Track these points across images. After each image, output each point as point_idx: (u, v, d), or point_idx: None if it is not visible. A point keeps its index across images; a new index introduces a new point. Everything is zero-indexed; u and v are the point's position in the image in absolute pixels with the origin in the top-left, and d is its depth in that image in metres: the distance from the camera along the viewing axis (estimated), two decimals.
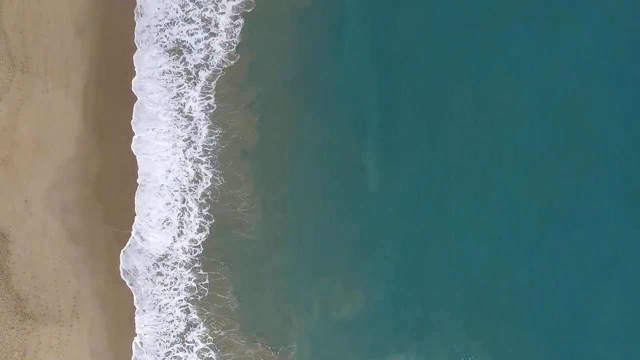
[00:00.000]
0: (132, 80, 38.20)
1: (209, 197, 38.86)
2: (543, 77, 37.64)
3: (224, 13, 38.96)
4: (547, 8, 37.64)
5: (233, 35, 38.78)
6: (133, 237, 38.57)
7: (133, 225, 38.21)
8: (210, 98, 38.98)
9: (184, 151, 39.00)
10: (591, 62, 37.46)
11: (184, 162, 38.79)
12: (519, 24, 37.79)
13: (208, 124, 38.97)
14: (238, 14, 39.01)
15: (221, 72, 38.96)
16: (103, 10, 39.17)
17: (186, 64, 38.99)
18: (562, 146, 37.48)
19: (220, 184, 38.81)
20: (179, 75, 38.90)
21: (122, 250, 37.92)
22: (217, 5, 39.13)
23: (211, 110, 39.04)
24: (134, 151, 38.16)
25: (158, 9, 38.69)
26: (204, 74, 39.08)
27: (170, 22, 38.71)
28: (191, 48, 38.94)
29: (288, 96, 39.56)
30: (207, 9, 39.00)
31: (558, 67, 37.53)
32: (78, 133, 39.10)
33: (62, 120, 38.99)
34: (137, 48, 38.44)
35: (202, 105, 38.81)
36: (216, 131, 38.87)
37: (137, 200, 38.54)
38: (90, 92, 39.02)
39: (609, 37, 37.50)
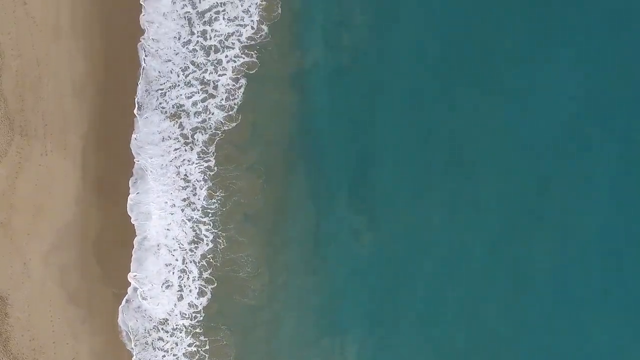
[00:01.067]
0: (131, 145, 37.79)
1: (211, 260, 38.47)
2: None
3: (224, 74, 38.65)
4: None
5: (234, 96, 38.51)
6: (132, 298, 37.99)
7: (130, 287, 37.76)
8: (209, 160, 38.59)
9: (182, 210, 38.71)
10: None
11: (184, 222, 38.51)
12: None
13: (207, 186, 38.56)
14: (239, 76, 38.59)
15: (220, 134, 38.52)
16: (102, 72, 38.85)
17: (185, 127, 38.68)
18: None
19: (222, 247, 38.41)
20: (177, 140, 38.57)
21: (119, 308, 37.55)
22: (217, 67, 38.72)
23: (211, 173, 38.60)
24: (129, 212, 37.79)
25: (159, 72, 38.35)
26: (201, 137, 38.78)
27: (172, 86, 38.34)
28: (190, 111, 38.59)
29: (291, 158, 39.12)
30: (207, 71, 38.67)
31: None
32: (77, 195, 38.83)
33: (61, 182, 38.71)
34: (136, 111, 37.86)
35: (201, 167, 38.44)
36: (217, 193, 38.55)
37: (134, 262, 38.14)
38: (90, 153, 38.78)
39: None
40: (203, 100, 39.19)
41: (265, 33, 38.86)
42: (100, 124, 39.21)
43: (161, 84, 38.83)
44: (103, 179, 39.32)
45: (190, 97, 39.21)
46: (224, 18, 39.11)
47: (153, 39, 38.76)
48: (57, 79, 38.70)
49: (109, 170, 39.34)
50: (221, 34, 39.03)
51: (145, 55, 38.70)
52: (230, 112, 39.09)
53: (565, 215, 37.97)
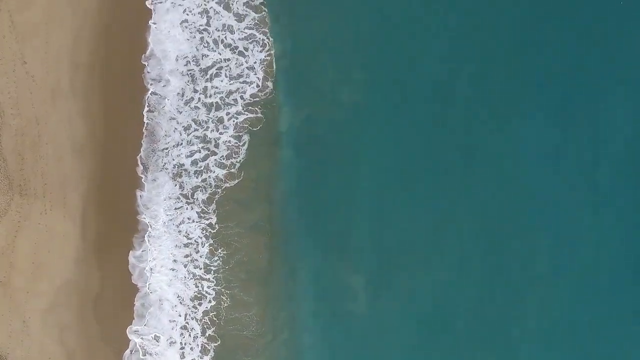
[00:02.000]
0: (137, 204, 37.66)
1: (214, 318, 38.51)
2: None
3: (226, 131, 38.75)
4: None
5: (237, 154, 38.58)
6: (133, 355, 37.85)
7: (132, 343, 37.69)
8: (210, 218, 38.61)
9: (185, 266, 38.67)
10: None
11: (186, 279, 38.51)
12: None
13: (209, 244, 38.56)
14: (242, 133, 38.68)
15: (221, 192, 38.60)
16: (102, 131, 38.81)
17: (185, 186, 38.72)
18: None
19: (226, 305, 38.42)
20: (178, 199, 38.65)
21: None
22: (217, 126, 38.80)
23: (212, 231, 38.67)
24: (131, 270, 37.83)
25: (165, 131, 38.41)
26: (201, 196, 38.77)
27: (175, 145, 38.37)
28: (191, 170, 38.65)
29: (293, 214, 39.28)
30: (208, 128, 38.75)
31: None
32: (77, 253, 38.65)
33: (61, 240, 38.47)
34: (141, 171, 38.21)
35: (202, 225, 38.48)
36: (218, 251, 38.57)
37: (136, 317, 38.11)
38: (89, 212, 38.64)
39: None
40: (204, 159, 39.08)
41: (270, 90, 38.88)
42: (100, 182, 39.08)
43: (166, 143, 38.69)
44: (103, 237, 39.09)
45: (191, 155, 39.01)
46: (226, 75, 39.09)
47: (159, 96, 38.57)
48: (57, 138, 38.47)
49: (109, 229, 39.20)
50: (223, 91, 39.04)
51: (151, 111, 38.37)
52: (232, 170, 39.02)
53: None
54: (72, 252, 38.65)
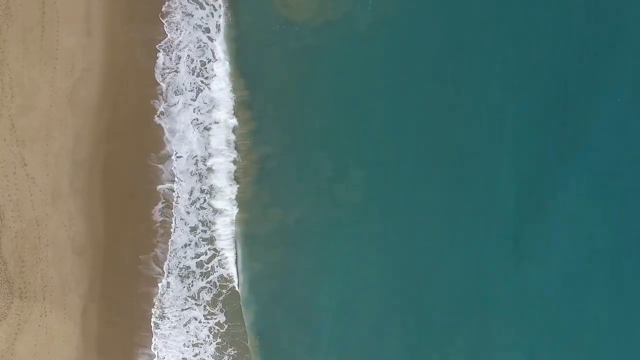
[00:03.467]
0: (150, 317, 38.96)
1: None
2: None
3: (220, 238, 39.31)
4: None
5: (235, 255, 38.94)
6: None
7: None
8: (215, 318, 38.80)
9: None
10: None
11: None
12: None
13: (217, 342, 38.76)
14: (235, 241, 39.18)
15: (227, 292, 38.78)
16: (102, 232, 38.88)
17: (193, 287, 38.78)
18: None
19: None
20: (186, 300, 38.81)
21: None
22: (213, 236, 39.15)
23: (221, 330, 38.79)
24: None
25: (175, 242, 38.72)
26: (206, 296, 38.90)
27: (185, 245, 38.66)
28: (197, 271, 38.83)
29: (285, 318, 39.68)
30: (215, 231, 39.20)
31: None
32: (77, 354, 38.48)
33: (61, 343, 38.45)
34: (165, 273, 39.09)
35: (209, 324, 38.57)
36: (227, 351, 38.77)
37: None
38: (90, 313, 38.67)
39: None
40: (209, 260, 39.24)
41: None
42: (100, 283, 38.99)
43: (179, 247, 39.11)
44: (104, 338, 39.02)
45: (198, 257, 39.17)
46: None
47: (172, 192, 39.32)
48: (57, 239, 38.41)
49: (111, 329, 39.00)
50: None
51: (168, 207, 39.56)
52: (230, 271, 39.26)
53: None
54: (72, 353, 38.57)
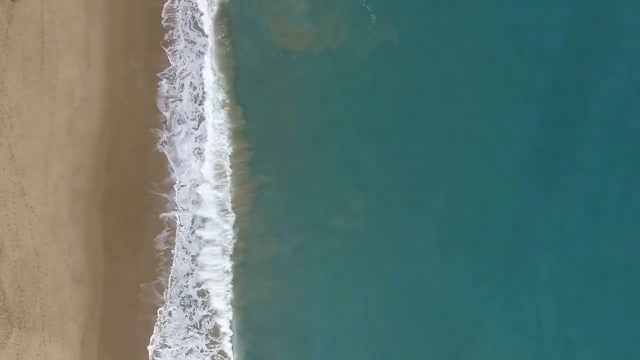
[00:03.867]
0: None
1: None
2: None
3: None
4: None
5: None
6: None
7: None
8: (219, 345, 39.14)
9: None
10: None
11: None
12: None
13: None
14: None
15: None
16: (102, 258, 39.14)
17: (195, 316, 39.54)
18: None
19: None
20: (188, 329, 39.11)
21: None
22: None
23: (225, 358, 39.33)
24: None
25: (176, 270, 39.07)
26: (208, 325, 39.21)
27: (186, 275, 39.12)
28: (198, 300, 39.32)
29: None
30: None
31: None
32: None
33: None
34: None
35: (212, 353, 38.87)
36: None
37: None
38: (89, 342, 38.69)
39: None
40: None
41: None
42: (100, 312, 39.05)
43: (180, 276, 39.52)
44: None
45: (199, 285, 39.85)
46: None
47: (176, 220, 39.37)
48: (56, 268, 38.42)
49: (110, 359, 38.86)
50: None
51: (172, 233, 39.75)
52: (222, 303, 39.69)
53: None
54: None
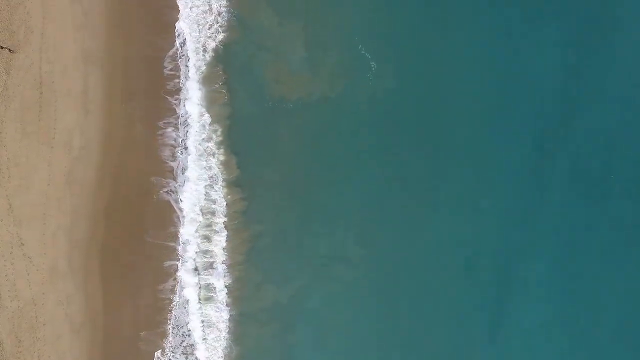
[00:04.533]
0: None
1: None
2: None
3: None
4: None
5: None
6: None
7: None
8: None
9: None
10: None
11: None
12: None
13: None
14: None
15: None
16: (101, 308, 39.06)
17: None
18: None
19: None
20: None
21: None
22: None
23: None
24: None
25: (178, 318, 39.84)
26: None
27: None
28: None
29: None
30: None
31: None
32: None
33: None
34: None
35: None
36: None
37: None
38: None
39: None
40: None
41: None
42: None
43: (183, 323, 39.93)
44: None
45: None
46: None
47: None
48: (55, 318, 38.40)
49: None
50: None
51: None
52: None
53: None
54: None
